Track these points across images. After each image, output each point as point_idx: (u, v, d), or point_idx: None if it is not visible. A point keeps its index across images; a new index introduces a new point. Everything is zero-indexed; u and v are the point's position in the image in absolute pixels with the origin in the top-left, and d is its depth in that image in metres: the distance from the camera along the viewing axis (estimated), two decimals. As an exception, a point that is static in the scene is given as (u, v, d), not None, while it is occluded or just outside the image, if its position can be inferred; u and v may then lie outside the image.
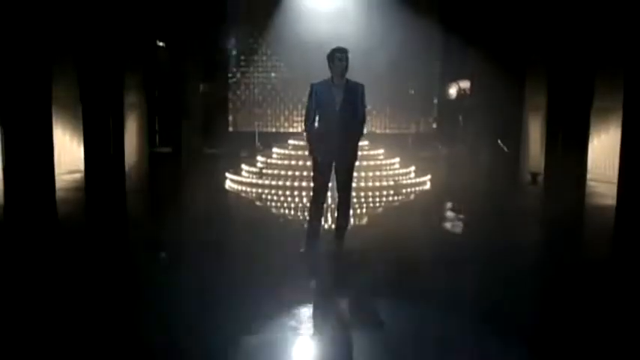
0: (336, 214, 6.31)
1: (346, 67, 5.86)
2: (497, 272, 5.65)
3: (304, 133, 6.29)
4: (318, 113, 5.94)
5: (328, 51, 5.92)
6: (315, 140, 5.98)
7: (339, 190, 6.14)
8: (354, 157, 6.13)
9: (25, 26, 9.50)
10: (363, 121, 6.10)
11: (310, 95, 5.95)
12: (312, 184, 6.23)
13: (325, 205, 6.37)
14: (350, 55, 5.86)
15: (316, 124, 5.97)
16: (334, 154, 5.96)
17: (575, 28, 11.12)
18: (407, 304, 4.84)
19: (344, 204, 6.16)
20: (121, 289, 4.87)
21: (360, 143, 10.59)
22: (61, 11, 10.33)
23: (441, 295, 4.95)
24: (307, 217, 6.30)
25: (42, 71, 9.84)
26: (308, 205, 6.56)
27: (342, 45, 5.93)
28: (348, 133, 5.94)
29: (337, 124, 5.87)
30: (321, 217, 6.19)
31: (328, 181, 6.10)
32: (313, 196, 6.11)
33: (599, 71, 10.98)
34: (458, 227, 8.18)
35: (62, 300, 4.58)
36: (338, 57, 5.83)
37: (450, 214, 8.94)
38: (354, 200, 8.72)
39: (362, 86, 5.97)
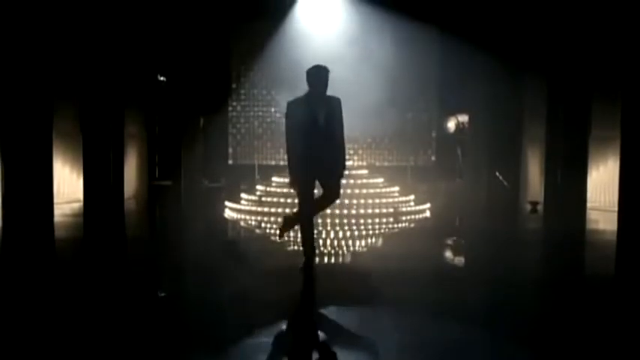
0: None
1: (326, 84, 5.86)
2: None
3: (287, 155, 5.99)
4: (297, 131, 5.86)
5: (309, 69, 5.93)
6: (296, 159, 5.88)
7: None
8: (340, 172, 5.96)
9: (27, 58, 9.62)
10: (342, 134, 5.92)
11: (288, 114, 5.94)
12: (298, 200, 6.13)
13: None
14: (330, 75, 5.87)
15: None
16: (317, 172, 5.87)
17: (573, 59, 11.25)
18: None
19: (329, 199, 6.03)
20: (112, 323, 4.55)
21: (360, 172, 11.05)
22: (63, 43, 10.48)
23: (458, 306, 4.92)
24: (300, 233, 6.14)
25: (43, 102, 9.92)
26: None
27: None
28: (330, 148, 5.84)
29: (318, 139, 5.79)
30: (313, 230, 6.10)
31: (313, 194, 6.02)
32: (301, 210, 6.02)
33: (597, 100, 11.07)
34: (464, 252, 8.14)
35: (54, 330, 4.42)
36: (319, 74, 5.85)
37: (452, 240, 8.91)
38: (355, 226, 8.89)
39: (338, 99, 5.91)
